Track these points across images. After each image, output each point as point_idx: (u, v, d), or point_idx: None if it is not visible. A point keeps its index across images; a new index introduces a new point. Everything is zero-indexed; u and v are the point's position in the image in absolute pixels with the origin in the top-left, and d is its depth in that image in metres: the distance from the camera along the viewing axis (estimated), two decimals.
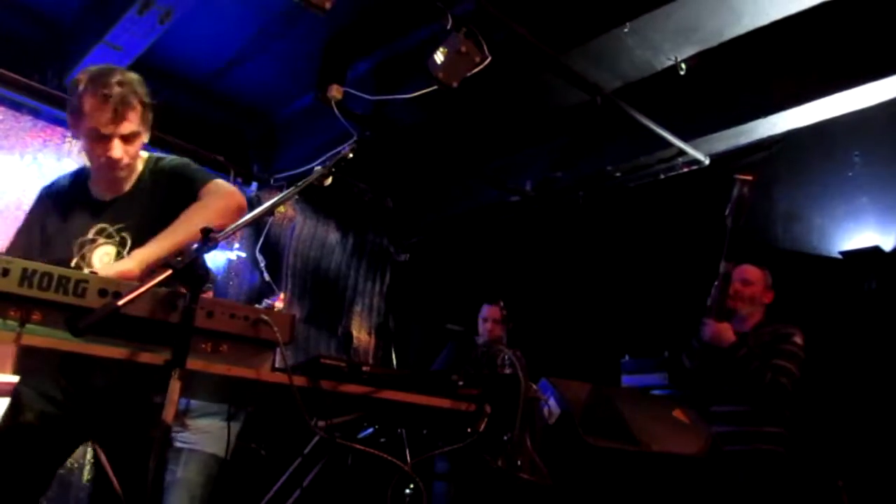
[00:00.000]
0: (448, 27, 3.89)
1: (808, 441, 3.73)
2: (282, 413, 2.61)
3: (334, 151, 5.32)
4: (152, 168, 2.26)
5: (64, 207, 2.20)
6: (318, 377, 1.74)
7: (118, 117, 2.04)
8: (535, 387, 2.63)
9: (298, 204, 6.18)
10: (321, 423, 2.00)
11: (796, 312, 3.67)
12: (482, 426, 1.95)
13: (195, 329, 1.50)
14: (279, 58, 5.04)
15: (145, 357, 1.54)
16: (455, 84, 4.02)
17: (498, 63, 4.01)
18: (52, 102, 5.02)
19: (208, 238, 1.60)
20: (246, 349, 1.68)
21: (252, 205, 5.07)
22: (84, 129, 2.06)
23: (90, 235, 2.14)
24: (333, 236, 6.44)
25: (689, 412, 2.89)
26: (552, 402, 2.60)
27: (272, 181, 5.79)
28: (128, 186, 2.22)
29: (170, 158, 2.32)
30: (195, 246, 1.55)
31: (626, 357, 4.87)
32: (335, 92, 4.58)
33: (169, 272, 1.47)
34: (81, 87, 2.04)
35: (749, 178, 3.34)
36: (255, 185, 5.82)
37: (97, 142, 2.07)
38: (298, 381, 1.66)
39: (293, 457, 2.59)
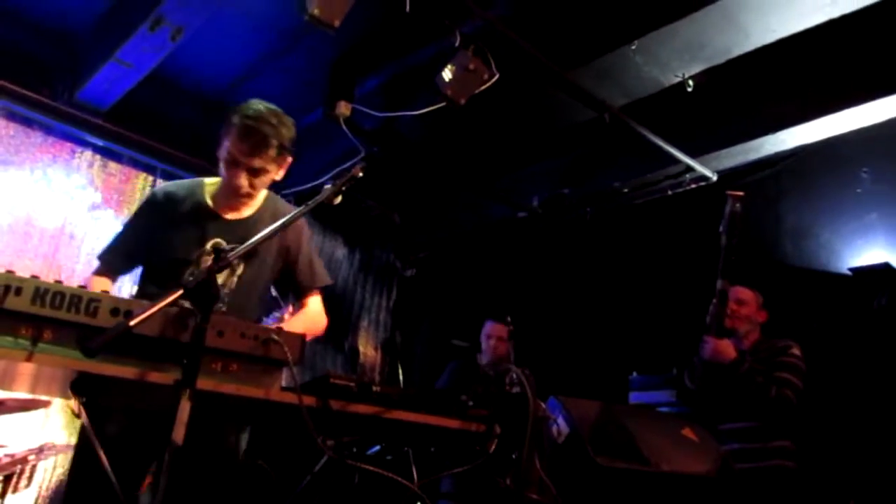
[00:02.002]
0: (456, 45, 3.91)
1: (818, 457, 3.70)
2: (289, 431, 2.60)
3: (343, 167, 5.36)
4: (273, 206, 2.48)
5: (180, 213, 2.33)
6: (326, 397, 1.73)
7: (253, 152, 2.23)
8: (543, 406, 2.61)
9: (306, 219, 6.18)
10: (329, 442, 1.99)
11: (805, 330, 3.66)
12: (492, 447, 1.94)
13: (206, 348, 1.50)
14: (288, 74, 5.07)
15: (155, 377, 1.54)
16: (463, 101, 4.03)
17: (506, 80, 4.03)
18: (62, 118, 5.08)
19: (220, 258, 1.61)
20: (255, 368, 1.67)
21: None
22: (223, 151, 2.28)
23: (207, 248, 2.28)
24: (340, 251, 6.44)
25: (698, 430, 2.86)
26: (561, 421, 2.58)
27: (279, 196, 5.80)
28: (248, 212, 2.40)
29: (288, 206, 2.59)
30: (207, 265, 1.57)
31: (634, 374, 4.84)
32: (343, 108, 4.60)
33: (180, 292, 1.48)
34: (237, 116, 2.24)
35: (740, 194, 3.35)
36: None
37: (229, 167, 2.27)
38: (308, 400, 1.66)
39: (299, 473, 2.58)
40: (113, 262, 2.38)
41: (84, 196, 5.24)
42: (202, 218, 2.33)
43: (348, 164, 5.04)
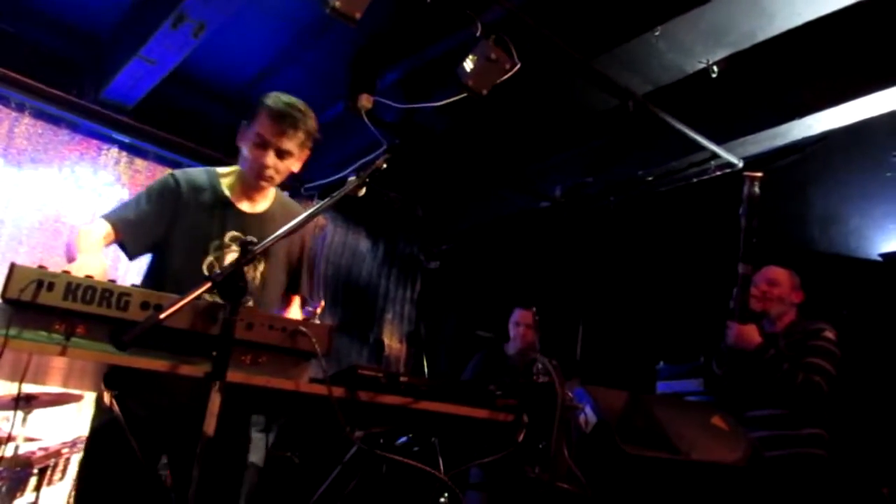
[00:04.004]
0: (478, 34, 3.89)
1: (850, 445, 3.64)
2: (317, 422, 2.62)
3: (366, 160, 5.37)
4: (284, 204, 2.52)
5: (200, 202, 2.34)
6: (355, 388, 1.74)
7: (284, 132, 2.27)
8: (570, 395, 2.60)
9: (329, 212, 6.22)
10: (358, 433, 2.00)
11: (836, 316, 3.59)
12: (521, 436, 1.94)
13: (235, 341, 1.51)
14: (309, 68, 5.09)
15: (186, 369, 1.55)
16: (485, 91, 4.02)
17: (528, 69, 4.00)
18: (88, 116, 5.15)
19: (247, 251, 1.63)
20: (285, 360, 1.68)
21: None
22: (251, 134, 2.31)
23: (226, 240, 2.30)
24: (364, 244, 6.47)
25: (727, 419, 2.83)
26: (588, 410, 2.57)
27: (303, 190, 5.84)
28: (263, 206, 2.43)
29: (297, 205, 2.64)
30: (235, 258, 1.58)
31: (661, 363, 4.80)
32: (365, 101, 4.61)
33: (209, 284, 1.50)
34: (268, 100, 2.29)
35: (758, 175, 3.29)
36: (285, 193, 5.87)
37: (257, 147, 2.30)
38: (337, 392, 1.67)
39: (327, 464, 2.60)
40: (126, 231, 2.24)
41: (111, 193, 5.31)
42: (221, 207, 2.35)
43: (371, 156, 5.05)
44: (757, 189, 3.26)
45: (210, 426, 1.45)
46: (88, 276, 1.52)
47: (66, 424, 4.46)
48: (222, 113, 5.51)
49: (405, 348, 6.49)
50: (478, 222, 6.61)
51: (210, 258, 2.27)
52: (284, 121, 2.27)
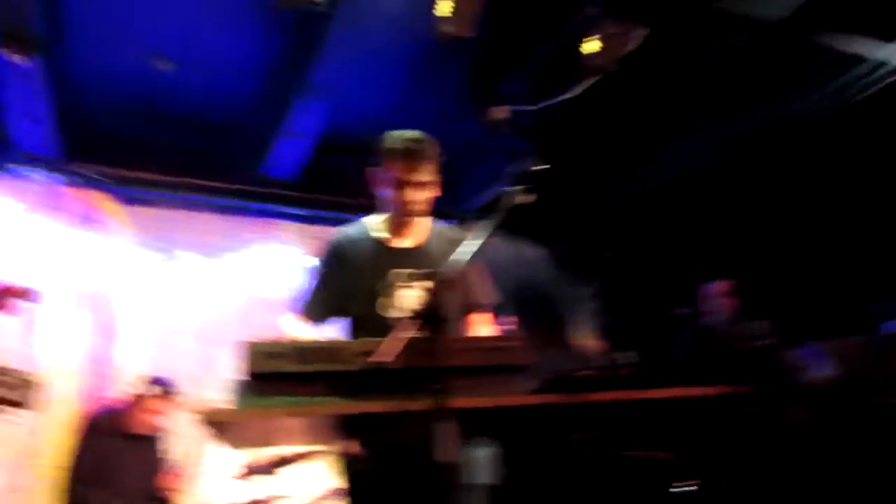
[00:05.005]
0: (593, 13, 3.80)
1: None
2: (540, 434, 2.62)
3: (515, 168, 5.36)
4: (442, 233, 2.57)
5: (359, 252, 2.49)
6: (574, 390, 1.72)
7: (417, 166, 2.38)
8: (795, 353, 2.42)
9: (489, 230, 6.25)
10: (586, 435, 1.98)
11: None
12: (759, 404, 1.82)
13: (451, 368, 1.55)
14: (435, 99, 5.19)
15: (412, 405, 1.61)
16: (615, 67, 3.91)
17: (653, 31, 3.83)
18: (257, 198, 5.61)
19: (436, 281, 1.69)
20: (500, 378, 1.70)
21: None
22: (386, 178, 2.42)
23: (390, 279, 2.41)
24: (536, 252, 6.44)
25: None
26: (821, 365, 2.38)
27: (461, 213, 5.94)
28: (418, 239, 2.53)
29: (457, 230, 2.71)
30: (427, 291, 1.63)
31: (882, 304, 4.31)
32: (498, 113, 4.63)
33: (411, 319, 1.56)
34: (392, 142, 2.41)
35: None
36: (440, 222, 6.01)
37: (396, 188, 2.40)
38: (558, 398, 1.66)
39: (559, 474, 2.58)
40: (313, 309, 2.48)
41: (294, 261, 5.69)
42: (377, 251, 2.47)
43: (520, 164, 5.04)
44: None
45: (450, 454, 1.50)
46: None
47: (313, 479, 4.74)
48: (359, 165, 5.74)
49: (601, 344, 6.35)
50: (640, 198, 6.36)
51: (382, 300, 2.38)
52: (413, 156, 2.37)
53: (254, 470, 3.81)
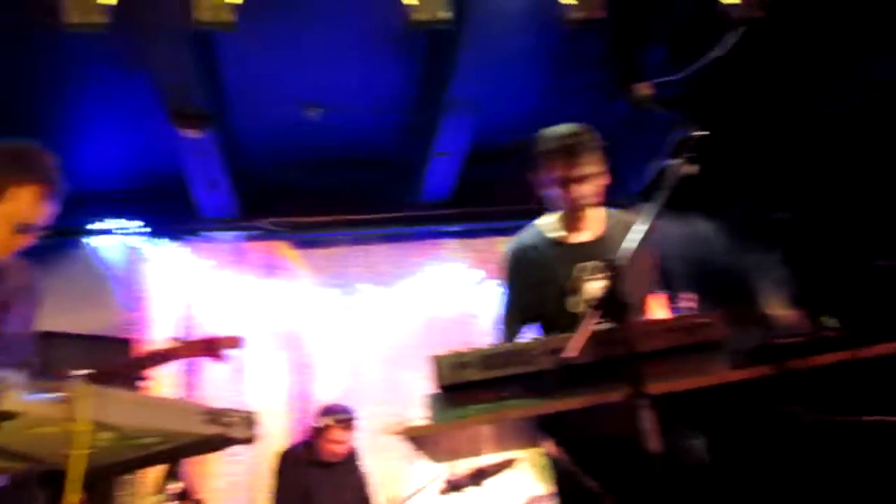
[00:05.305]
0: None
1: None
2: (743, 410, 2.47)
3: (673, 140, 5.11)
4: (619, 221, 2.49)
5: (539, 255, 2.50)
6: (779, 359, 1.59)
7: (578, 163, 2.35)
8: None
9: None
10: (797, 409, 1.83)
11: None
12: None
13: (644, 354, 1.50)
14: (576, 89, 5.09)
15: (609, 396, 1.57)
16: (761, 13, 3.63)
17: None
18: (418, 222, 5.80)
19: (611, 270, 1.65)
20: (694, 358, 1.63)
21: None
22: (551, 180, 2.41)
23: (575, 275, 2.40)
24: (708, 226, 6.11)
25: None
26: None
27: (628, 196, 5.75)
28: (596, 231, 2.50)
29: (631, 215, 2.56)
30: (605, 282, 1.60)
31: None
32: (644, 89, 4.44)
33: (595, 310, 1.53)
34: (549, 143, 2.41)
35: None
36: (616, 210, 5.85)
37: (564, 187, 2.38)
38: (766, 369, 1.55)
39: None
40: (511, 326, 2.52)
41: (467, 276, 5.80)
42: (556, 250, 2.46)
43: (676, 136, 4.81)
44: None
45: (654, 443, 1.44)
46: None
47: (515, 489, 4.77)
48: (524, 168, 5.73)
49: (798, 312, 5.87)
50: (810, 147, 5.83)
51: (571, 298, 2.36)
52: (572, 151, 2.33)
53: (456, 484, 3.88)
